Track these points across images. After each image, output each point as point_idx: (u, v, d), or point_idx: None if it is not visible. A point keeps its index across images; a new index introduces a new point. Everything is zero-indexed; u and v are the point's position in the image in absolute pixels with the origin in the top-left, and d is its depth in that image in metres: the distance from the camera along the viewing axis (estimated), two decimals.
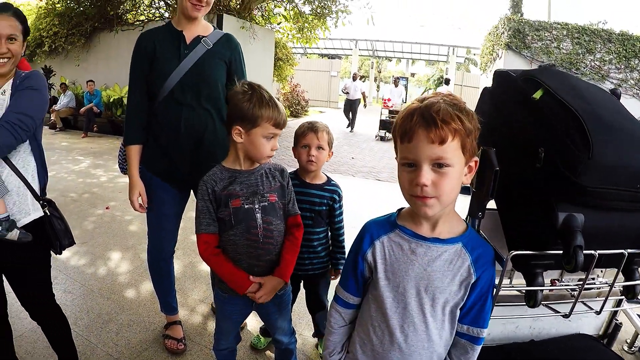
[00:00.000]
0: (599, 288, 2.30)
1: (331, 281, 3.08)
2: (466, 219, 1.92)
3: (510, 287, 2.08)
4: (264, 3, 15.66)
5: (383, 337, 1.57)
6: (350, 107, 18.77)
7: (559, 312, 2.06)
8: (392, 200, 7.41)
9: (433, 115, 1.32)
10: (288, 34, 17.41)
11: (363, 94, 19.33)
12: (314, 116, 24.11)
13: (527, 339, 2.38)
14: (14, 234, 2.23)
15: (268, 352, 3.35)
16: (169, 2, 14.62)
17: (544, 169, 1.72)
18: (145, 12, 15.83)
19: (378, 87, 48.69)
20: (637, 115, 2.01)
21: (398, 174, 1.44)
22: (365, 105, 21.01)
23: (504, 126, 2.09)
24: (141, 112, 2.92)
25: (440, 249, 1.49)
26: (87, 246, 5.17)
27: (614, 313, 2.51)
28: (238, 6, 14.46)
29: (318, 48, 34.36)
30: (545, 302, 2.11)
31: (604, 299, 2.02)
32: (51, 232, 2.48)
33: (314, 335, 3.38)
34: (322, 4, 15.22)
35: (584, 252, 1.57)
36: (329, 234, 2.95)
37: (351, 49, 38.59)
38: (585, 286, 1.90)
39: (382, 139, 16.53)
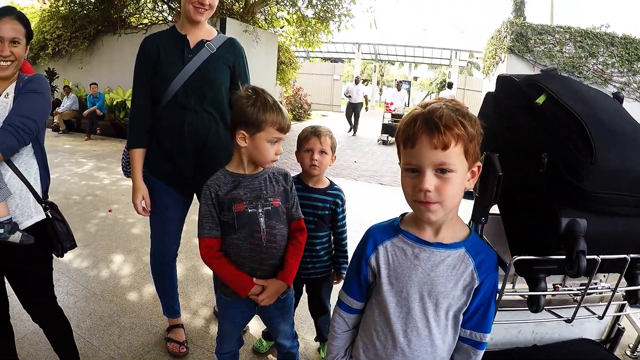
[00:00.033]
0: (602, 293, 2.30)
1: (333, 285, 3.08)
2: (469, 224, 1.92)
3: (513, 292, 2.08)
4: (267, 7, 15.70)
5: (386, 342, 1.57)
6: (353, 111, 18.74)
7: (562, 317, 2.06)
8: (394, 204, 7.44)
9: (436, 121, 1.32)
10: (291, 38, 17.46)
11: (365, 97, 19.32)
12: (317, 120, 24.11)
13: (530, 344, 2.38)
14: (16, 237, 2.24)
15: (270, 356, 3.34)
16: (172, 5, 14.65)
17: (547, 174, 1.72)
18: (148, 15, 15.88)
19: (381, 90, 48.73)
20: (639, 119, 2.00)
21: (401, 180, 1.45)
22: (367, 109, 21.00)
23: (507, 131, 2.09)
24: (145, 115, 2.92)
25: (443, 254, 1.49)
26: (90, 249, 5.17)
27: (617, 318, 2.51)
28: (241, 10, 14.50)
29: (321, 52, 34.39)
30: (548, 307, 2.11)
31: (606, 303, 2.02)
32: (53, 235, 2.48)
33: (316, 340, 3.38)
34: (325, 8, 15.26)
35: (587, 257, 1.58)
36: (332, 238, 2.95)
37: (354, 53, 38.63)
38: (588, 291, 1.90)
39: (385, 142, 16.50)
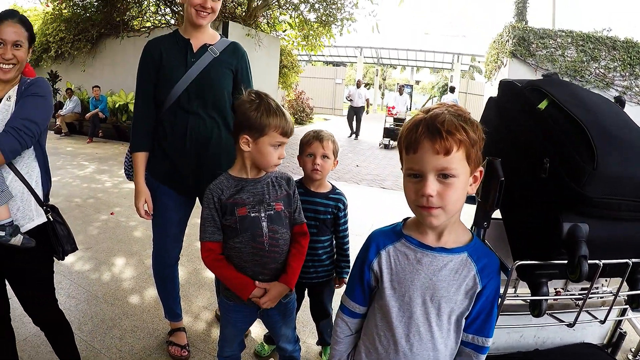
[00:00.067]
0: (603, 297, 2.30)
1: (335, 289, 3.08)
2: (471, 228, 1.92)
3: (515, 296, 2.08)
4: (270, 10, 15.73)
5: (388, 346, 1.57)
6: (355, 115, 18.73)
7: (564, 322, 2.06)
8: (396, 208, 7.44)
9: (438, 127, 1.32)
10: (293, 42, 17.48)
11: (367, 100, 19.30)
12: (319, 123, 24.13)
13: (532, 348, 2.38)
14: (17, 240, 2.24)
15: None
16: (174, 8, 14.68)
17: (549, 180, 1.73)
18: (151, 18, 15.90)
19: (383, 94, 48.74)
20: None
21: (403, 185, 1.45)
22: (367, 112, 20.98)
23: (510, 136, 2.10)
24: (148, 119, 2.93)
25: (445, 259, 1.49)
26: (92, 251, 5.17)
27: (619, 322, 2.51)
28: (244, 13, 14.54)
29: (323, 55, 34.46)
30: (550, 312, 2.11)
31: (608, 308, 2.02)
32: (54, 238, 2.49)
33: (317, 343, 3.38)
34: (327, 12, 15.27)
35: (589, 261, 1.58)
36: (334, 242, 2.95)
37: (356, 57, 38.63)
38: (590, 295, 1.90)
39: (386, 147, 16.50)
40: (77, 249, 2.67)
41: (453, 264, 1.49)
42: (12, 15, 2.32)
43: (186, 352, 3.29)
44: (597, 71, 15.02)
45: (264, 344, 3.38)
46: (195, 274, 4.74)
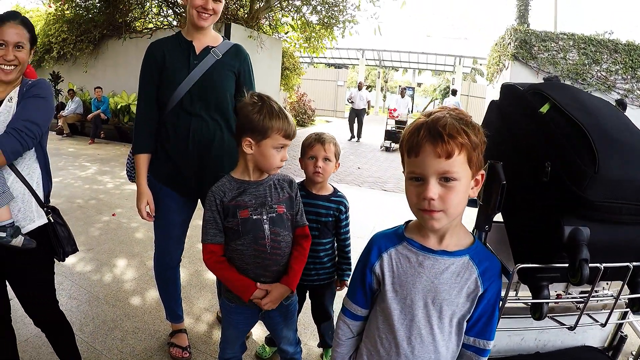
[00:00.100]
0: (604, 300, 2.30)
1: (337, 292, 3.08)
2: (473, 231, 1.93)
3: (516, 299, 2.08)
4: (272, 12, 15.74)
5: (390, 349, 1.58)
6: (356, 117, 18.71)
7: (565, 325, 2.06)
8: (398, 210, 7.45)
9: (439, 130, 1.33)
10: (295, 44, 17.50)
11: (368, 102, 19.25)
12: (321, 126, 24.15)
13: (533, 351, 2.38)
14: (18, 240, 2.24)
15: None
16: (177, 10, 14.69)
17: (550, 183, 1.73)
18: (153, 20, 15.90)
19: (385, 97, 48.72)
20: None
21: (405, 188, 1.46)
22: (367, 113, 20.93)
23: (511, 139, 2.10)
24: (150, 120, 2.94)
25: (447, 262, 1.50)
26: (93, 253, 5.18)
27: (620, 325, 2.51)
28: (246, 15, 14.55)
29: (325, 58, 34.46)
30: (551, 315, 2.11)
31: (609, 311, 2.02)
32: (54, 240, 2.49)
33: (319, 346, 3.38)
34: (329, 14, 15.29)
35: (590, 265, 1.58)
36: (335, 245, 2.96)
37: (358, 59, 38.65)
38: (591, 299, 1.90)
39: (388, 149, 16.47)
40: (78, 250, 2.67)
41: (455, 267, 1.50)
42: (14, 16, 2.33)
43: (187, 353, 3.30)
44: (599, 74, 15.02)
45: (265, 346, 3.38)
46: (197, 276, 4.74)
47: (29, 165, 2.39)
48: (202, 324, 3.81)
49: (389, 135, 16.49)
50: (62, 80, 16.46)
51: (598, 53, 14.97)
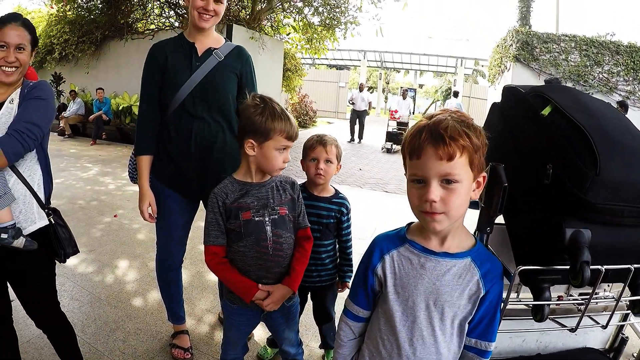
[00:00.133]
0: (606, 302, 2.30)
1: (338, 293, 3.09)
2: (475, 233, 1.93)
3: (517, 301, 2.08)
4: (274, 14, 15.76)
5: (392, 350, 1.58)
6: (357, 118, 18.68)
7: (566, 326, 2.06)
8: (399, 212, 7.45)
9: (441, 133, 1.34)
10: (297, 45, 17.54)
11: (369, 103, 19.20)
12: (322, 127, 24.13)
13: (534, 353, 2.38)
14: (19, 242, 2.25)
15: None
16: (178, 11, 14.71)
17: (551, 185, 1.73)
18: (155, 21, 15.94)
19: (386, 98, 48.69)
20: None
21: (407, 190, 1.46)
22: (368, 113, 20.87)
23: (513, 142, 2.10)
24: (152, 122, 2.94)
25: (449, 264, 1.50)
26: (95, 254, 5.18)
27: (621, 327, 2.51)
28: (247, 17, 14.57)
29: (327, 59, 34.48)
30: (552, 316, 2.11)
31: (610, 313, 2.02)
32: (55, 241, 2.49)
33: (320, 347, 3.38)
34: (331, 15, 15.31)
35: (591, 267, 1.58)
36: (337, 246, 2.96)
37: (359, 60, 38.69)
38: (592, 301, 1.90)
39: (389, 150, 16.47)
40: (79, 252, 2.67)
41: (456, 268, 1.50)
42: (15, 18, 2.34)
43: (189, 354, 3.30)
44: (601, 76, 15.04)
45: (267, 347, 3.38)
46: (199, 277, 4.75)
47: (30, 166, 2.39)
48: (204, 325, 3.82)
49: (390, 136, 16.46)
50: (64, 81, 16.47)
51: (600, 55, 14.99)
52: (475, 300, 1.50)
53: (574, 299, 2.17)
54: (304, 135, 2.92)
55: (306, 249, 2.38)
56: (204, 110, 2.85)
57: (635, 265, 1.76)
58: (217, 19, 2.86)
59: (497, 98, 2.40)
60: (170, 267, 3.23)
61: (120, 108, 14.71)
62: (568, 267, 1.65)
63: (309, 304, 3.15)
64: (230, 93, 2.91)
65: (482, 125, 1.55)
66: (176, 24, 15.03)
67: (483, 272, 1.50)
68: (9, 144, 2.15)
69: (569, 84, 14.87)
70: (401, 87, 23.17)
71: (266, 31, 15.89)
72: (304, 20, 15.53)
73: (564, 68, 15.16)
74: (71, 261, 4.42)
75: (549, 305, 1.83)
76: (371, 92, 24.21)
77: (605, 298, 2.25)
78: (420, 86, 56.45)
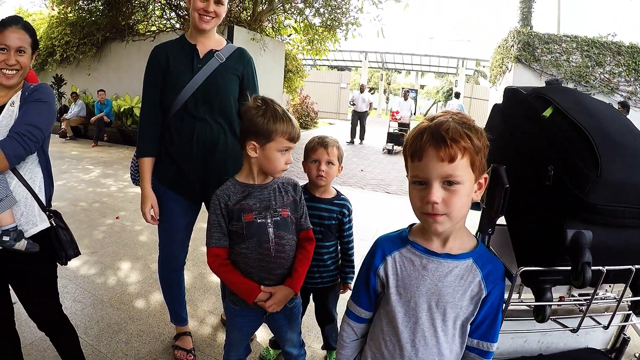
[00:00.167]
0: (607, 303, 2.31)
1: (340, 294, 3.09)
2: (476, 234, 1.93)
3: (519, 302, 2.09)
4: (275, 15, 15.76)
5: (394, 351, 1.59)
6: (359, 120, 18.61)
7: (567, 327, 2.06)
8: (401, 212, 7.44)
9: (442, 134, 1.34)
10: (298, 46, 17.53)
11: (370, 104, 19.13)
12: (323, 128, 24.12)
13: (536, 353, 2.38)
14: (21, 244, 2.26)
15: None
16: (179, 13, 14.72)
17: (553, 187, 1.74)
18: (156, 23, 15.95)
19: (387, 99, 48.68)
20: None
21: (409, 192, 1.47)
22: (367, 114, 20.81)
23: (514, 143, 2.11)
24: (154, 124, 2.95)
25: (451, 265, 1.51)
26: (97, 256, 5.19)
27: (622, 327, 2.51)
28: (249, 18, 14.58)
29: (328, 60, 34.50)
30: (554, 317, 2.12)
31: (612, 313, 2.03)
32: (57, 243, 2.50)
33: (323, 348, 3.38)
34: (332, 17, 15.30)
35: (592, 267, 1.59)
36: (338, 247, 2.96)
37: (361, 61, 38.66)
38: (594, 301, 1.91)
39: (390, 152, 16.43)
40: (80, 254, 2.67)
41: (458, 270, 1.51)
42: (16, 21, 2.34)
43: (192, 356, 3.31)
44: (602, 76, 15.03)
45: (270, 349, 3.39)
46: (201, 279, 4.75)
47: (31, 169, 2.40)
48: (207, 327, 3.82)
49: (391, 137, 16.42)
50: (65, 83, 16.50)
51: (601, 55, 14.98)
52: (477, 301, 1.51)
53: (575, 300, 2.17)
54: (306, 136, 2.93)
55: (308, 251, 2.38)
56: (205, 112, 2.86)
57: (637, 266, 1.77)
58: (218, 21, 2.86)
59: (499, 99, 2.40)
60: (172, 269, 3.24)
61: (122, 110, 14.72)
62: (569, 268, 1.65)
63: (311, 305, 3.16)
64: (231, 95, 2.91)
65: (484, 127, 1.55)
66: (177, 26, 15.06)
67: (485, 273, 1.51)
68: (10, 146, 2.16)
69: (571, 85, 14.87)
70: (402, 88, 23.18)
71: (267, 32, 15.90)
72: (305, 21, 15.54)
73: (565, 69, 15.15)
74: (73, 263, 4.42)
75: (550, 306, 1.84)
76: (372, 93, 24.21)
77: (606, 299, 2.25)
78: (422, 87, 56.47)
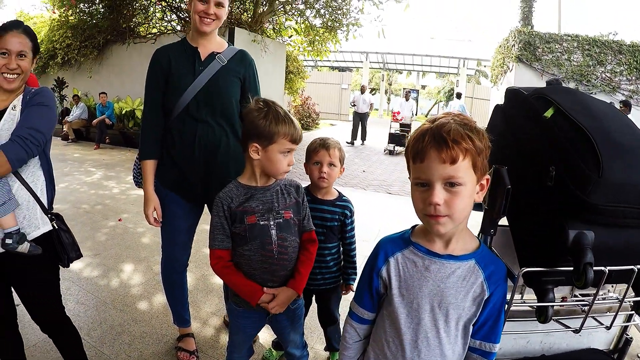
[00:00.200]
0: (609, 303, 2.31)
1: (342, 296, 3.09)
2: (478, 235, 1.94)
3: (521, 302, 2.09)
4: (275, 16, 15.77)
5: (397, 352, 1.59)
6: (360, 121, 18.56)
7: (570, 327, 2.07)
8: (403, 213, 7.44)
9: (444, 136, 1.35)
10: (299, 47, 17.51)
11: (371, 105, 19.08)
12: (325, 129, 24.11)
13: (538, 354, 2.38)
14: (24, 247, 2.27)
15: None
16: (180, 15, 14.74)
17: (554, 187, 1.74)
18: (157, 25, 15.95)
19: (389, 99, 48.67)
20: None
21: (411, 194, 1.47)
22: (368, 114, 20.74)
23: (516, 144, 2.11)
24: (156, 127, 2.95)
25: (453, 266, 1.51)
26: (100, 258, 5.19)
27: (625, 328, 2.51)
28: (249, 19, 14.59)
29: (329, 61, 34.52)
30: (556, 318, 2.12)
31: (614, 314, 2.03)
32: (59, 246, 2.51)
33: (325, 349, 3.39)
34: (333, 17, 15.30)
35: (594, 268, 1.59)
36: (341, 249, 2.97)
37: (362, 62, 38.71)
38: (596, 302, 1.91)
39: (391, 152, 16.41)
40: (82, 256, 2.68)
41: (461, 271, 1.51)
42: (16, 25, 2.36)
43: (195, 357, 3.31)
44: (604, 75, 15.02)
45: (272, 350, 3.39)
46: (204, 280, 4.75)
47: (33, 172, 2.41)
48: (210, 328, 3.83)
49: (393, 138, 16.41)
50: (67, 86, 16.50)
51: (602, 54, 14.98)
52: (479, 302, 1.51)
53: (577, 300, 2.18)
54: (307, 137, 2.93)
55: (311, 252, 2.39)
56: (207, 115, 2.86)
57: (639, 266, 1.77)
58: (219, 23, 2.87)
59: (500, 99, 2.41)
60: (174, 271, 3.25)
61: (123, 112, 14.75)
62: (571, 268, 1.66)
63: (314, 307, 3.16)
64: (233, 97, 2.92)
65: (485, 127, 1.55)
66: (178, 28, 15.07)
67: (487, 274, 1.51)
68: (12, 150, 2.17)
69: (572, 84, 14.87)
70: (404, 89, 23.15)
71: (268, 34, 15.90)
72: (306, 22, 15.55)
73: (566, 68, 15.14)
74: (76, 265, 4.42)
75: (552, 306, 1.84)
76: (373, 94, 24.20)
77: (609, 299, 2.26)
78: (423, 87, 56.37)
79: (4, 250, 2.26)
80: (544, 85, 2.24)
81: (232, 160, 2.92)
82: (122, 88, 15.62)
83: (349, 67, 43.66)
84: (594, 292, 1.86)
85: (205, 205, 3.13)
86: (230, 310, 2.50)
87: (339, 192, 2.91)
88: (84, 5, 15.69)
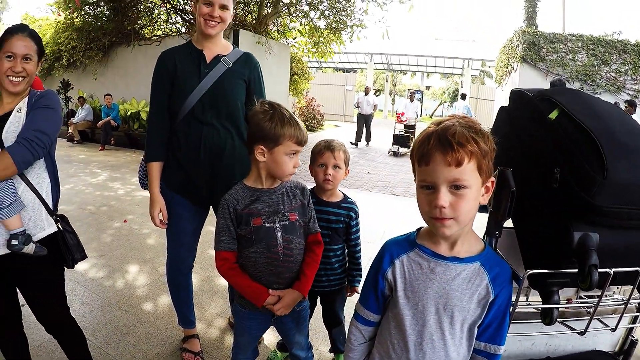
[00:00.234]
0: (615, 305, 2.30)
1: (348, 297, 3.10)
2: (484, 237, 1.94)
3: (526, 304, 2.09)
4: (280, 18, 15.79)
5: (402, 354, 1.59)
6: (364, 123, 18.53)
7: (575, 329, 2.06)
8: (408, 215, 7.44)
9: (449, 139, 1.35)
10: (303, 49, 17.55)
11: (375, 106, 19.03)
12: (330, 130, 24.11)
13: (543, 356, 2.38)
14: (30, 248, 2.29)
15: None
16: (185, 17, 14.76)
17: (559, 189, 1.74)
18: (162, 27, 15.99)
19: (393, 100, 48.63)
20: None
21: (417, 196, 1.48)
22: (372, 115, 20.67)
23: (520, 146, 2.11)
24: (162, 129, 2.97)
25: (458, 268, 1.51)
26: (105, 259, 5.21)
27: (630, 330, 2.50)
28: (254, 21, 14.61)
29: (333, 62, 34.57)
30: (561, 319, 2.12)
31: (619, 315, 2.02)
32: (64, 247, 2.52)
33: (330, 351, 3.39)
34: (337, 19, 15.32)
35: (599, 269, 1.59)
36: (346, 250, 2.97)
37: (366, 63, 38.71)
38: (601, 303, 1.91)
39: (396, 154, 16.35)
40: (87, 257, 2.70)
41: (466, 273, 1.51)
42: (22, 29, 2.39)
43: (200, 358, 3.32)
44: (608, 75, 15.00)
45: (277, 351, 3.39)
46: (209, 282, 4.76)
47: (38, 174, 2.43)
48: (214, 330, 3.83)
49: (397, 139, 16.37)
50: (72, 87, 16.58)
51: (607, 54, 14.95)
52: (484, 304, 1.51)
53: (582, 302, 2.17)
54: (312, 138, 2.93)
55: (317, 254, 2.39)
56: (213, 117, 2.87)
57: None
58: (224, 26, 2.88)
59: (505, 99, 2.41)
60: (180, 272, 3.25)
61: (129, 114, 14.79)
62: (576, 270, 1.66)
63: (319, 308, 3.16)
64: (238, 99, 2.93)
65: (490, 129, 1.55)
66: (183, 30, 15.09)
67: (492, 276, 1.51)
68: (18, 152, 2.18)
69: (577, 84, 14.86)
70: (408, 90, 23.12)
71: (273, 36, 15.94)
72: (310, 24, 15.58)
73: (571, 68, 15.13)
74: (82, 266, 4.43)
75: (557, 308, 1.84)
76: (378, 95, 24.20)
77: (614, 301, 2.25)
78: (428, 88, 56.36)
79: (9, 251, 2.27)
80: (548, 85, 2.24)
81: (237, 163, 2.93)
82: (127, 90, 15.67)
83: (353, 68, 43.69)
84: (599, 293, 1.86)
85: (211, 207, 3.14)
86: (235, 312, 2.51)
87: (344, 194, 2.91)
88: (89, 8, 15.76)
